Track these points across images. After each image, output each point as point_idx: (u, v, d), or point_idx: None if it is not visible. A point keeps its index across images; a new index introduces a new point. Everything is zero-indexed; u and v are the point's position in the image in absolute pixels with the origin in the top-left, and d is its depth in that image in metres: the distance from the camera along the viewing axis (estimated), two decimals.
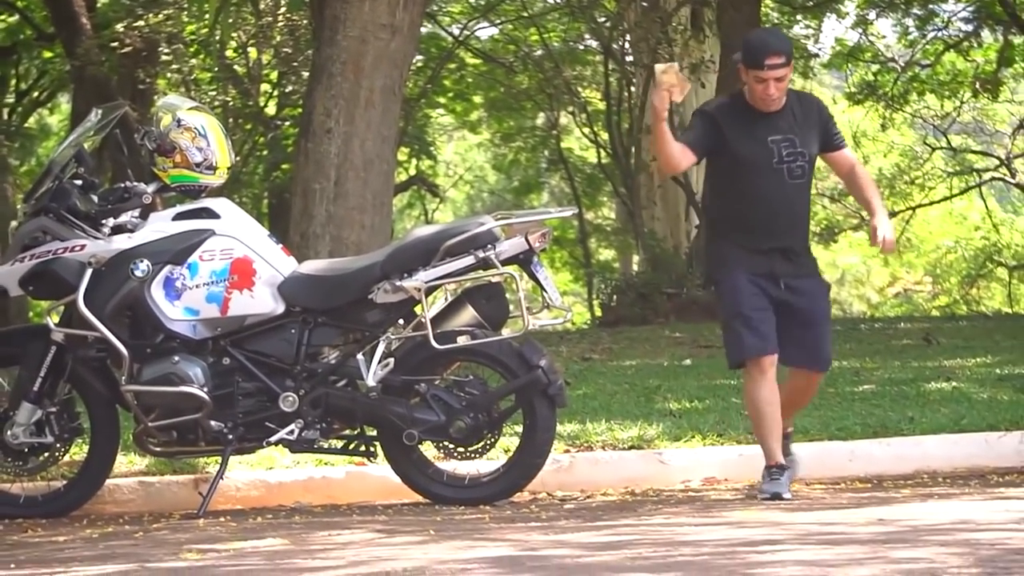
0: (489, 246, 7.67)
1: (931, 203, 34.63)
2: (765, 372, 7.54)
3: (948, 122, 31.89)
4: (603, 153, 28.96)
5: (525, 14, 27.12)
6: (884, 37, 31.08)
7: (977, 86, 29.69)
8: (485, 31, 29.09)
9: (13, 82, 27.96)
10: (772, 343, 7.53)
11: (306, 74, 17.33)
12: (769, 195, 7.57)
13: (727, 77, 18.13)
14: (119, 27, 20.15)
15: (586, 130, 29.30)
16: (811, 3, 26.67)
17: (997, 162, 33.95)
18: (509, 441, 8.00)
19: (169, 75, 22.39)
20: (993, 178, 34.66)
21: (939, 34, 29.55)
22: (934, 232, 38.94)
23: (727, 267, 7.69)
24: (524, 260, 7.73)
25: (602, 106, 27.61)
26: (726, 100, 8.00)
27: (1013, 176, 34.06)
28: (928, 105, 31.74)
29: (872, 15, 28.40)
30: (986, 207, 36.25)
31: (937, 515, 6.45)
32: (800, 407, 8.02)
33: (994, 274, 36.21)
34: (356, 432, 7.86)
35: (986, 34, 29.27)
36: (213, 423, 7.68)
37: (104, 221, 7.82)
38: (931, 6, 28.54)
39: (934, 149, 33.43)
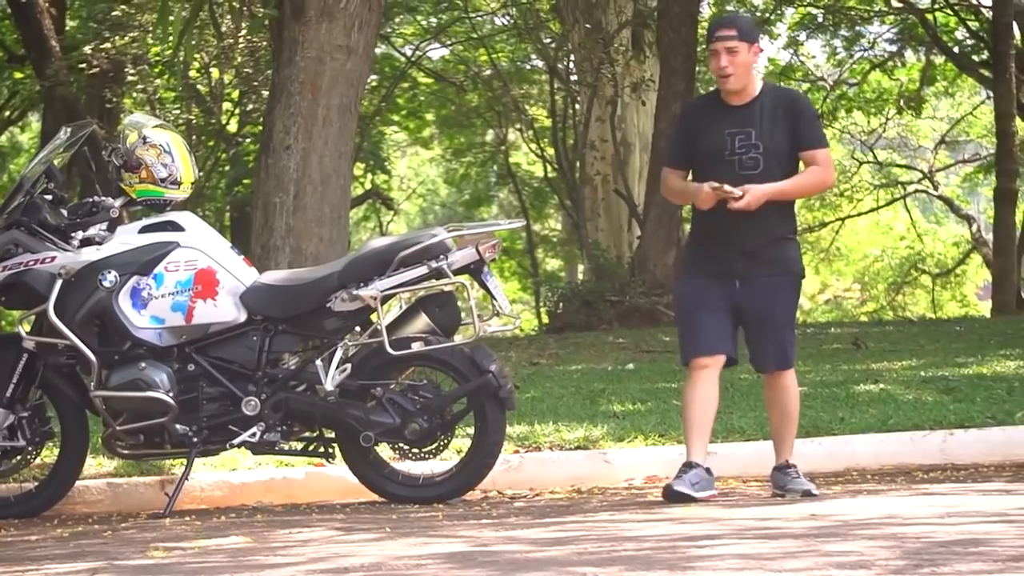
0: (441, 257, 7.66)
1: (859, 214, 34.87)
2: (696, 373, 7.34)
3: (874, 137, 32.14)
4: (549, 168, 29.02)
5: (475, 35, 27.16)
6: (814, 57, 31.27)
7: (901, 104, 29.92)
8: (436, 52, 29.14)
9: None
10: (708, 346, 7.31)
11: (266, 93, 17.27)
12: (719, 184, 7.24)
13: (666, 96, 18.15)
14: (87, 49, 20.07)
15: (533, 146, 29.36)
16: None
17: (920, 175, 34.20)
18: (461, 442, 7.99)
19: (135, 95, 22.31)
20: (917, 191, 34.93)
21: (865, 54, 29.76)
22: (862, 242, 39.15)
23: (685, 269, 7.63)
24: (475, 270, 7.73)
25: (548, 123, 27.65)
26: (703, 97, 7.74)
27: (935, 189, 34.32)
28: (855, 121, 31.97)
29: (802, 36, 28.56)
30: (910, 218, 36.52)
31: (866, 510, 6.48)
32: (785, 420, 7.46)
33: (918, 281, 36.47)
34: (315, 434, 7.84)
35: (909, 54, 29.50)
36: (179, 426, 7.65)
37: (73, 234, 7.78)
38: (858, 28, 28.72)
39: (861, 163, 33.66)
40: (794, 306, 7.50)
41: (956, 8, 27.20)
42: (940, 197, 35.05)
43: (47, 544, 6.64)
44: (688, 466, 7.24)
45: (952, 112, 34.59)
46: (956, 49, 27.69)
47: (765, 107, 7.34)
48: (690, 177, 7.48)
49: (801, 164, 7.42)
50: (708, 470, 7.26)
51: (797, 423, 7.55)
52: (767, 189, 7.20)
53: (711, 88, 7.70)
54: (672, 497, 7.11)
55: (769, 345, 7.37)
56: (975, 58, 27.21)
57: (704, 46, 7.55)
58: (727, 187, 7.15)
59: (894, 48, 29.07)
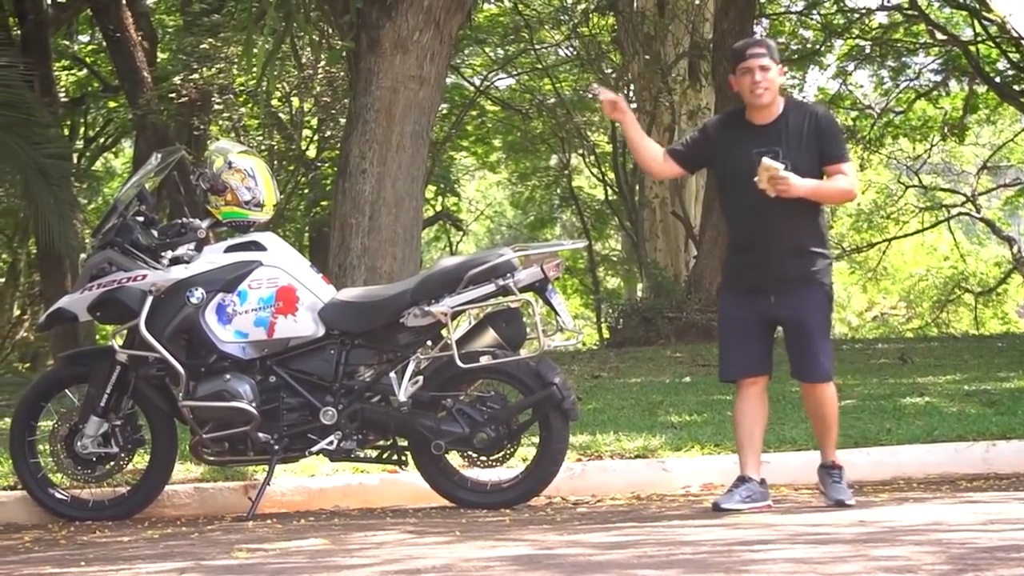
0: (508, 275, 7.66)
1: (905, 235, 34.63)
2: (743, 391, 7.31)
3: (920, 163, 31.92)
4: (610, 191, 28.95)
5: (539, 66, 27.15)
6: (862, 86, 31.10)
7: (945, 131, 29.70)
8: (503, 81, 29.15)
9: (82, 129, 28.05)
10: (749, 366, 7.26)
11: (343, 121, 17.33)
12: (751, 206, 7.14)
13: None
14: (176, 80, 20.20)
15: (594, 170, 29.30)
16: (796, 56, 26.67)
17: (963, 199, 33.95)
18: (527, 451, 7.98)
19: (221, 122, 22.43)
20: (960, 213, 34.65)
21: (911, 84, 29.58)
22: (907, 262, 38.91)
23: (723, 286, 7.53)
24: (540, 287, 7.72)
25: (609, 148, 27.61)
26: (725, 114, 7.61)
27: (978, 211, 34.05)
28: (902, 148, 31.78)
29: (851, 67, 28.43)
30: (954, 239, 36.25)
31: (912, 517, 6.43)
32: (823, 425, 7.37)
33: (962, 300, 36.19)
34: (389, 443, 7.86)
35: (953, 84, 29.30)
36: (261, 435, 7.68)
37: (163, 253, 7.85)
38: (904, 59, 28.57)
39: (907, 187, 33.45)
40: (827, 317, 7.34)
41: (998, 40, 27.01)
42: (982, 219, 34.77)
43: (138, 545, 6.68)
44: (741, 480, 7.21)
45: (994, 139, 34.34)
46: (998, 79, 27.48)
47: (790, 125, 7.23)
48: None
49: (824, 177, 7.28)
50: (762, 482, 7.23)
51: (837, 425, 7.45)
52: (804, 183, 7.07)
53: None
54: (718, 511, 7.06)
55: (806, 356, 7.25)
56: (1016, 87, 27.00)
57: None
58: (774, 164, 6.98)
59: (938, 78, 28.88)
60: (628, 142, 7.47)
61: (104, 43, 23.11)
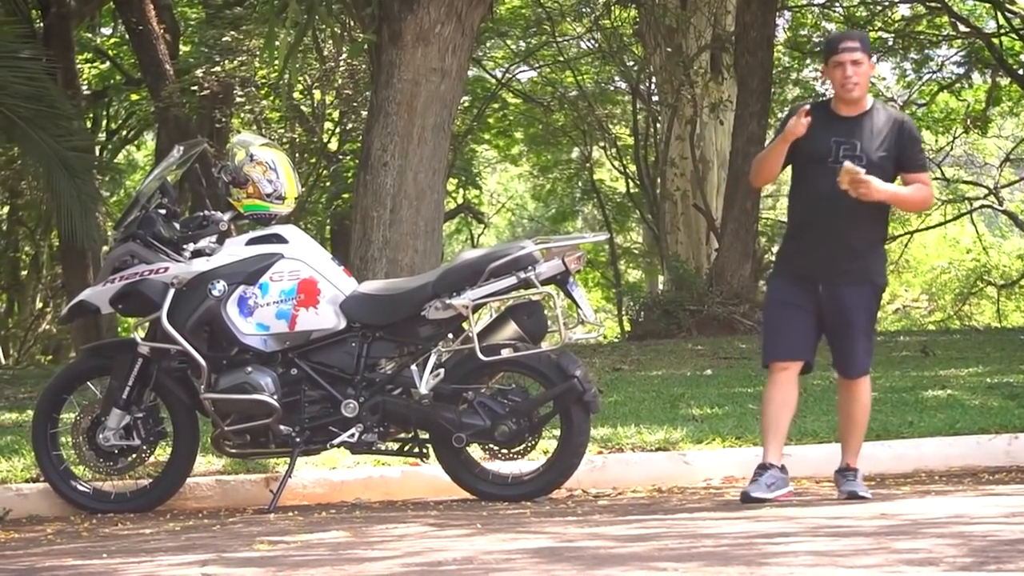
0: (529, 268, 7.66)
1: (927, 228, 34.56)
2: (775, 375, 7.28)
3: (942, 155, 31.84)
4: (631, 184, 28.94)
5: (561, 59, 27.14)
6: (884, 79, 31.04)
7: (968, 123, 29.64)
8: (525, 74, 29.16)
9: (104, 122, 28.13)
10: (789, 350, 7.24)
11: (365, 113, 17.35)
12: (820, 193, 7.14)
13: (743, 116, 18.07)
14: (198, 72, 20.24)
15: (616, 163, 29.29)
16: (819, 49, 26.60)
17: (986, 191, 33.87)
18: (548, 443, 7.98)
19: (243, 115, 22.46)
20: (983, 205, 34.58)
21: (933, 76, 29.54)
22: (930, 254, 38.82)
23: (776, 269, 7.55)
24: (561, 280, 7.72)
25: (630, 141, 27.60)
26: (813, 104, 7.48)
27: (1000, 204, 33.97)
28: (924, 140, 31.67)
29: (874, 58, 28.34)
30: (976, 232, 36.18)
31: (934, 510, 6.42)
32: (851, 425, 7.36)
33: (984, 292, 36.08)
34: (410, 435, 7.85)
35: (976, 76, 29.22)
36: (282, 427, 7.69)
37: (185, 246, 7.86)
38: (926, 51, 28.50)
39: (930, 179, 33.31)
40: (874, 316, 7.35)
41: (1021, 32, 26.92)
42: (1005, 212, 34.69)
43: (160, 537, 6.69)
44: (763, 468, 7.19)
45: (1017, 131, 34.24)
46: (1021, 71, 27.40)
47: (874, 122, 7.24)
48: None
49: (897, 182, 7.29)
50: (783, 468, 7.22)
51: (864, 432, 7.43)
52: (885, 187, 7.10)
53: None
54: (749, 501, 7.07)
55: (847, 351, 7.27)
56: None
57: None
58: (855, 167, 6.99)
59: (961, 70, 28.82)
60: (769, 156, 7.37)
61: (127, 36, 23.18)
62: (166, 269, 7.75)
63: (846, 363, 7.30)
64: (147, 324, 7.91)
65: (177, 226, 7.92)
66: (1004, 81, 28.71)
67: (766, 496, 7.07)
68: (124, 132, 28.87)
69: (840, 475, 7.32)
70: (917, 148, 7.34)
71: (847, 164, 7.03)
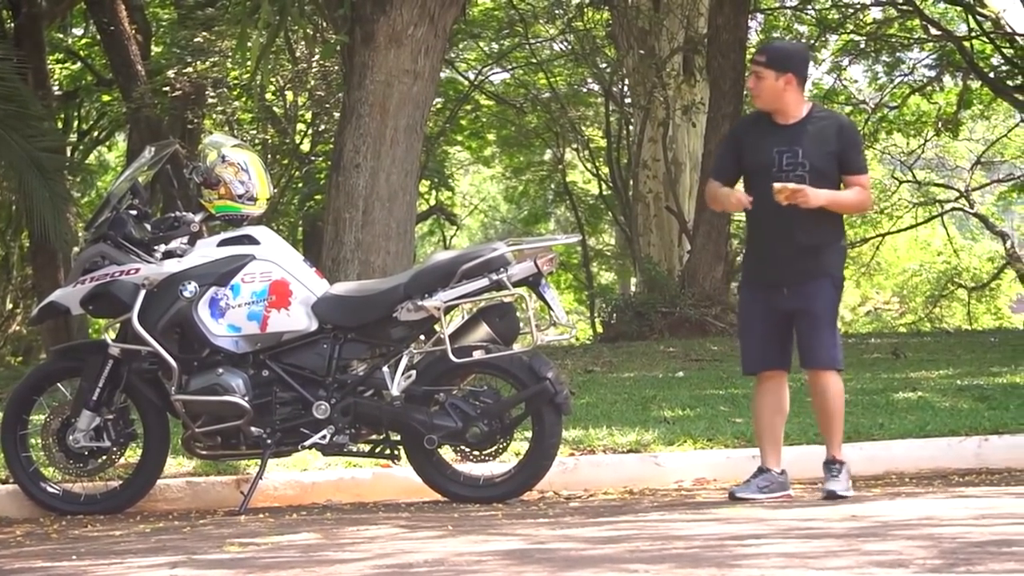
0: (502, 269, 7.66)
1: (898, 231, 34.65)
2: (761, 384, 7.49)
3: (913, 158, 31.94)
4: (604, 185, 28.96)
5: (534, 60, 27.14)
6: (856, 81, 31.12)
7: (939, 126, 29.73)
8: (498, 76, 29.15)
9: (75, 123, 28.01)
10: (767, 360, 7.43)
11: (337, 115, 17.32)
12: (768, 202, 7.25)
13: (716, 118, 18.10)
14: (170, 73, 20.18)
15: (588, 165, 29.31)
16: None
17: (957, 194, 33.98)
18: (520, 445, 7.98)
19: (215, 116, 22.40)
20: (953, 208, 34.68)
21: (905, 79, 29.61)
22: (901, 257, 38.92)
23: (743, 282, 7.72)
24: (533, 282, 7.72)
25: (603, 143, 27.61)
26: (754, 114, 7.77)
27: (971, 206, 34.09)
28: (895, 143, 31.83)
29: (845, 62, 28.44)
30: (947, 234, 36.30)
31: (904, 512, 6.43)
32: (826, 418, 7.45)
33: (955, 295, 36.21)
34: (382, 437, 7.85)
35: (947, 79, 29.31)
36: (253, 429, 7.67)
37: (156, 247, 7.83)
38: (898, 54, 28.59)
39: (901, 182, 33.46)
40: (833, 305, 7.43)
41: (992, 36, 27.03)
42: (975, 215, 34.80)
43: (130, 539, 6.67)
44: (759, 471, 7.39)
45: (987, 134, 34.36)
46: (992, 74, 27.50)
47: (812, 128, 7.38)
48: (740, 187, 7.52)
49: (842, 186, 7.44)
50: (782, 473, 7.39)
51: (841, 421, 7.50)
52: (825, 194, 7.25)
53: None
54: (733, 499, 7.25)
55: (811, 342, 7.37)
56: (1009, 83, 27.02)
57: (750, 71, 7.58)
58: (788, 184, 7.18)
59: (933, 73, 28.90)
60: (717, 199, 7.59)
61: (98, 36, 23.10)
62: (137, 270, 7.73)
63: (813, 354, 7.39)
64: (118, 325, 7.89)
65: (148, 227, 7.89)
66: (975, 84, 28.82)
67: (751, 496, 7.22)
68: (95, 133, 28.76)
69: (826, 467, 7.41)
70: (857, 151, 7.51)
71: (776, 186, 7.21)
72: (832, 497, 7.17)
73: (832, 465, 7.38)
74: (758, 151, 7.40)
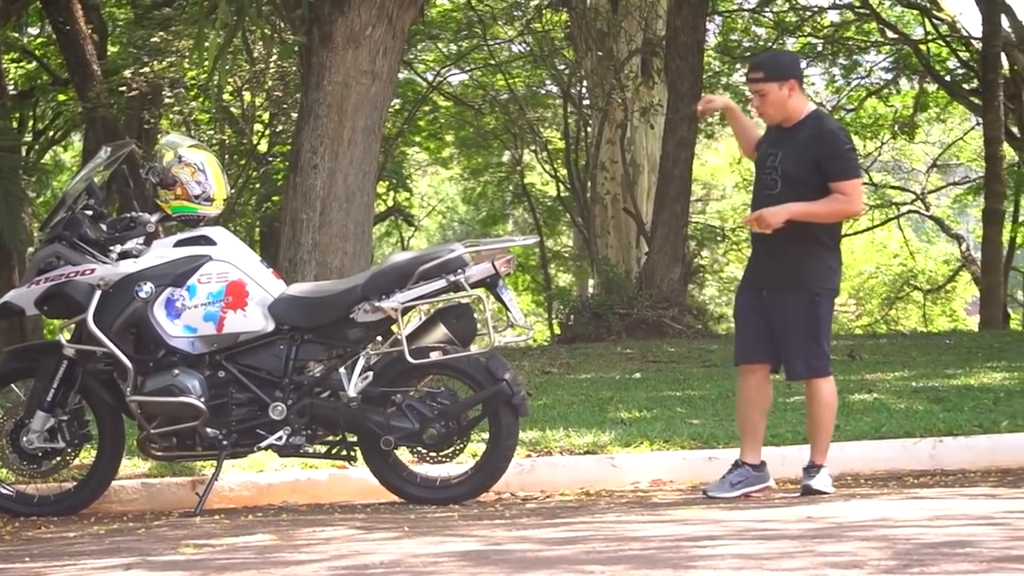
0: (459, 271, 7.66)
1: (855, 233, 34.77)
2: (742, 378, 7.62)
3: (870, 161, 32.07)
4: (562, 187, 28.98)
5: (492, 62, 27.15)
6: (813, 84, 31.22)
7: (896, 129, 29.90)
8: (456, 77, 29.13)
9: (31, 122, 27.86)
10: (750, 353, 7.54)
11: (295, 115, 17.28)
12: (754, 204, 7.53)
13: (673, 120, 18.15)
14: (127, 73, 20.10)
15: (547, 166, 29.32)
16: (748, 54, 26.76)
17: (913, 197, 34.16)
18: (476, 447, 7.98)
19: (172, 116, 22.34)
20: (910, 211, 34.86)
21: (862, 82, 29.77)
22: (858, 259, 39.06)
23: (741, 281, 7.89)
24: (491, 283, 7.72)
25: (561, 145, 27.63)
26: None
27: (927, 209, 34.28)
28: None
29: (803, 64, 28.54)
30: (903, 237, 36.48)
31: (859, 513, 6.46)
32: (810, 423, 7.57)
33: (910, 297, 36.41)
34: (338, 438, 7.84)
35: (904, 82, 29.48)
36: (209, 430, 7.65)
37: (112, 247, 7.80)
38: (855, 57, 28.73)
39: None
40: (813, 319, 7.46)
41: (948, 39, 27.19)
42: (931, 217, 34.99)
43: (84, 540, 6.64)
44: (735, 465, 7.52)
45: (943, 137, 34.55)
46: (948, 78, 27.66)
47: (799, 135, 7.47)
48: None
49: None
50: (758, 466, 7.53)
51: (827, 431, 7.58)
52: (786, 209, 7.34)
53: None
54: (707, 497, 7.39)
55: (784, 355, 7.51)
56: (965, 86, 27.19)
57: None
58: (749, 219, 7.50)
59: (889, 76, 29.05)
60: (735, 130, 7.90)
61: (54, 36, 22.98)
62: (92, 271, 7.70)
63: (785, 366, 7.55)
64: (73, 326, 7.86)
65: (104, 227, 7.86)
66: (931, 87, 28.99)
67: (723, 495, 7.36)
68: (51, 132, 28.60)
69: (805, 472, 7.52)
70: (835, 158, 7.46)
71: (744, 220, 7.43)
72: (809, 492, 7.31)
73: (811, 469, 7.48)
74: (762, 150, 7.62)
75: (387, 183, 27.76)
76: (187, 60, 19.88)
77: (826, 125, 7.64)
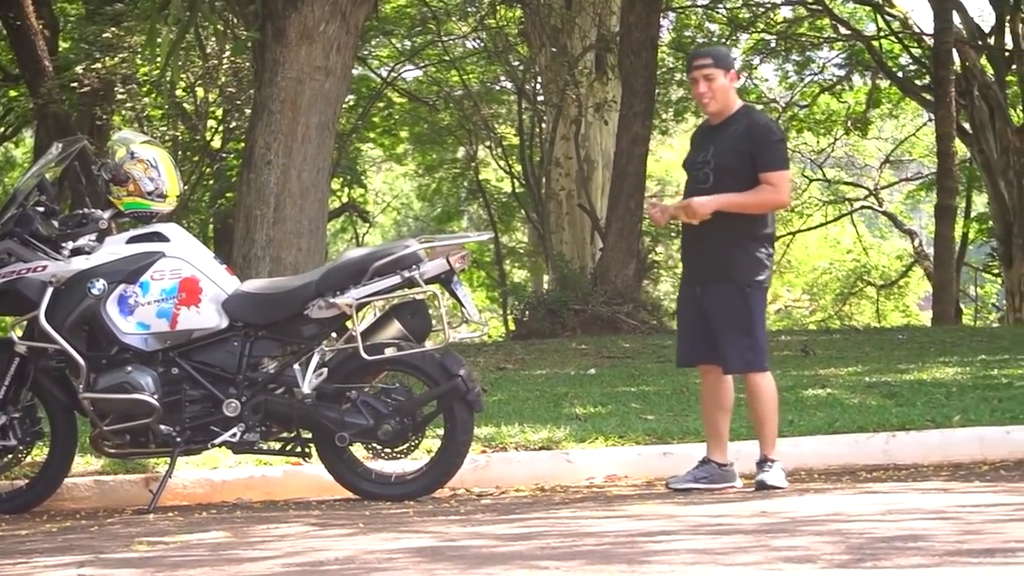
0: (414, 267, 7.65)
1: (808, 229, 34.99)
2: (702, 378, 7.73)
3: (823, 157, 32.27)
4: (517, 183, 29.00)
5: (447, 58, 27.14)
6: (767, 80, 31.36)
7: (849, 125, 30.05)
8: (410, 73, 29.12)
9: None
10: (695, 355, 7.64)
11: (248, 111, 17.23)
12: (686, 198, 7.57)
13: (628, 116, 18.17)
14: (78, 69, 19.99)
15: (501, 162, 29.34)
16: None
17: (866, 193, 34.35)
18: (431, 443, 7.98)
19: (124, 112, 22.23)
20: (863, 207, 35.08)
21: (815, 78, 29.90)
22: (811, 255, 39.29)
23: (681, 279, 7.93)
24: (445, 279, 7.72)
25: (516, 141, 27.65)
26: (705, 121, 8.03)
27: (880, 205, 34.48)
28: (806, 141, 32.12)
29: (756, 60, 28.67)
30: (857, 233, 36.69)
31: (813, 508, 6.48)
32: (753, 418, 7.68)
33: (864, 292, 36.62)
34: (293, 435, 7.81)
35: (856, 79, 29.63)
36: (163, 427, 7.62)
37: (64, 244, 7.75)
38: (808, 53, 28.84)
39: (811, 181, 33.78)
40: (745, 312, 7.52)
41: (900, 36, 27.33)
42: (884, 213, 35.20)
43: (36, 538, 6.60)
44: (702, 462, 7.62)
45: (896, 133, 34.75)
46: (900, 74, 27.82)
47: (733, 128, 7.58)
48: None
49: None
50: (728, 465, 7.61)
51: (773, 423, 7.65)
52: (712, 200, 7.44)
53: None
54: (672, 491, 7.50)
55: (720, 348, 7.55)
56: (918, 83, 27.35)
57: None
58: (653, 203, 7.50)
59: (842, 73, 29.21)
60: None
61: (4, 31, 22.82)
62: (44, 267, 7.65)
63: (721, 359, 7.57)
64: (25, 323, 7.81)
65: (56, 224, 7.82)
66: (884, 83, 29.14)
67: (685, 486, 7.48)
68: (2, 129, 28.44)
69: (757, 467, 7.57)
70: (765, 149, 7.55)
71: (647, 204, 7.56)
72: (763, 487, 7.35)
73: (762, 464, 7.53)
74: (693, 150, 7.73)
75: (341, 179, 27.72)
76: (139, 56, 19.79)
77: (758, 119, 7.82)
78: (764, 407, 7.59)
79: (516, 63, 25.75)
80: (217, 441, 7.68)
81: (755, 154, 7.51)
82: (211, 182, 24.05)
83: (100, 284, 7.61)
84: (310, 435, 7.75)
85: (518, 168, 28.00)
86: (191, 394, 7.69)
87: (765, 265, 7.60)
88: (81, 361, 7.58)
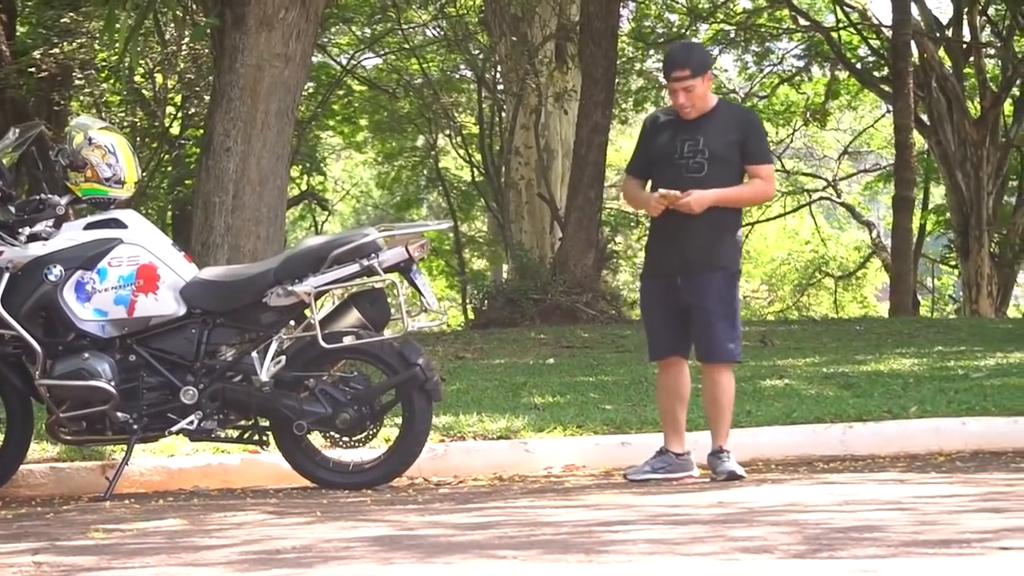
0: (373, 255, 7.64)
1: (767, 219, 35.06)
2: (662, 370, 7.73)
3: (782, 147, 32.32)
4: (476, 172, 28.98)
5: (407, 46, 27.08)
6: (726, 71, 31.42)
7: (807, 116, 30.14)
8: (370, 61, 29.05)
9: None
10: (668, 350, 7.64)
11: (208, 98, 17.16)
12: (673, 188, 7.46)
13: (588, 105, 18.18)
14: (36, 54, 19.85)
15: (461, 151, 29.30)
16: (662, 40, 26.87)
17: (825, 184, 34.47)
18: (389, 431, 7.97)
19: (82, 98, 22.10)
20: (821, 198, 35.20)
21: (774, 69, 29.98)
22: (770, 245, 39.40)
23: (643, 271, 7.86)
24: (404, 268, 7.71)
25: (476, 130, 27.62)
26: (663, 110, 8.03)
27: (839, 196, 34.62)
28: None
29: (715, 51, 28.70)
30: (815, 224, 36.82)
31: (770, 498, 6.51)
32: (716, 409, 7.63)
33: (822, 283, 36.75)
34: (250, 423, 7.80)
35: (815, 70, 29.72)
36: (119, 414, 7.59)
37: (21, 230, 7.71)
38: (767, 44, 28.93)
39: None
40: (727, 299, 7.59)
41: (859, 27, 27.43)
42: (843, 204, 35.35)
43: None
44: (659, 452, 7.64)
45: (855, 124, 34.88)
46: (859, 65, 27.92)
47: (717, 119, 7.59)
48: (648, 187, 7.68)
49: (746, 176, 7.63)
50: (682, 454, 7.64)
51: (730, 414, 7.71)
52: (711, 194, 7.44)
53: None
54: (630, 482, 7.51)
55: (707, 337, 7.57)
56: (876, 74, 27.46)
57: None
58: (672, 192, 7.40)
59: (801, 64, 29.29)
60: (638, 201, 7.90)
61: None
62: (1, 253, 7.61)
63: (708, 349, 7.59)
64: None
65: (12, 209, 7.77)
66: (843, 75, 29.24)
67: (643, 477, 7.51)
68: None
69: (714, 458, 7.60)
70: (759, 141, 7.69)
71: (660, 191, 7.46)
72: (734, 477, 7.40)
73: (720, 454, 7.59)
74: (663, 141, 7.62)
75: (301, 167, 27.64)
76: (98, 41, 19.66)
77: (741, 109, 7.90)
78: (727, 397, 7.64)
79: (476, 52, 25.72)
80: (174, 429, 7.65)
81: (748, 144, 7.56)
82: (170, 169, 23.94)
83: (57, 270, 7.58)
84: (268, 423, 7.74)
85: (478, 157, 27.98)
86: (148, 381, 7.66)
87: (740, 253, 7.76)
88: (38, 347, 7.54)
